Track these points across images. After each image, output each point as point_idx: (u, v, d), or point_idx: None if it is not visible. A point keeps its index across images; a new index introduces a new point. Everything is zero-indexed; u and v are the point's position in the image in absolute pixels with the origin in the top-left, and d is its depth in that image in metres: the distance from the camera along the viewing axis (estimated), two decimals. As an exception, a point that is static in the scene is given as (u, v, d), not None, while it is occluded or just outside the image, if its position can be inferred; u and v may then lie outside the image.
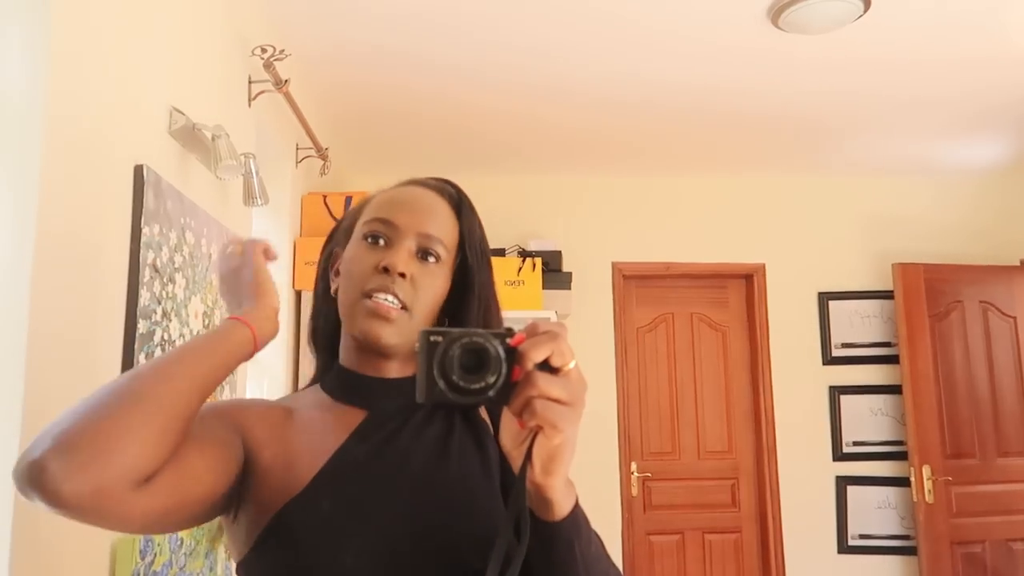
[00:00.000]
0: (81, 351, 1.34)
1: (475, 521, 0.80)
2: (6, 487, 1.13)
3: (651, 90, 3.07)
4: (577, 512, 0.72)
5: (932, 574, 3.56)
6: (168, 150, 1.73)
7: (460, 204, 0.94)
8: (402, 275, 0.85)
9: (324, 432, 0.85)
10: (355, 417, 0.86)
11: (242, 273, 0.92)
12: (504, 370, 0.65)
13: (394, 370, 0.89)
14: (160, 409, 0.72)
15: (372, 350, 0.87)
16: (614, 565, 0.79)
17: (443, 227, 0.90)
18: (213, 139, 1.82)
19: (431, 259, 0.88)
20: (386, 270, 0.85)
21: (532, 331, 0.66)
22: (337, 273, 0.93)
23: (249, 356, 0.84)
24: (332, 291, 0.93)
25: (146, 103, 1.64)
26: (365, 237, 0.88)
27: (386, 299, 0.84)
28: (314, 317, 0.98)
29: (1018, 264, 3.95)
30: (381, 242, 0.88)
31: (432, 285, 0.88)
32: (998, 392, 3.78)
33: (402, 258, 0.86)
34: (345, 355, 0.91)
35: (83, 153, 1.37)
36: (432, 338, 0.66)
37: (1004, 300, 3.86)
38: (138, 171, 1.53)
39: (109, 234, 1.46)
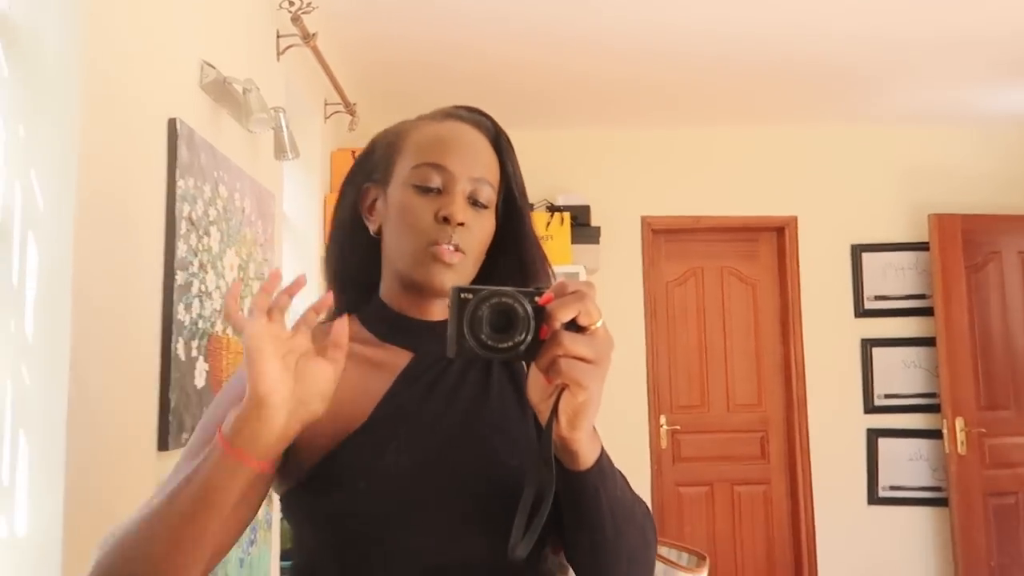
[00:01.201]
0: (122, 302, 1.38)
1: (513, 455, 0.82)
2: (58, 429, 1.18)
3: (680, 40, 3.01)
4: (603, 460, 0.74)
5: (964, 525, 3.56)
6: (200, 104, 1.74)
7: (498, 139, 0.93)
8: (461, 223, 0.85)
9: (371, 373, 0.86)
10: (400, 358, 0.88)
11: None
12: (532, 328, 0.67)
13: (437, 312, 0.90)
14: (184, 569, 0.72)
15: (429, 294, 0.88)
16: (640, 501, 0.82)
17: (489, 168, 0.90)
18: (244, 92, 1.83)
19: (481, 201, 0.88)
20: (446, 220, 0.85)
21: (560, 290, 0.68)
22: (372, 211, 0.93)
23: (253, 472, 0.71)
24: (373, 231, 0.92)
25: (178, 57, 1.65)
26: (416, 184, 0.87)
27: (448, 247, 0.85)
28: (340, 253, 0.95)
29: (1059, 213, 3.85)
30: (435, 189, 0.87)
31: (484, 228, 0.89)
32: (1035, 344, 3.73)
33: (460, 207, 0.86)
34: (389, 294, 0.91)
35: (119, 108, 1.39)
36: (463, 295, 0.68)
37: (1044, 250, 3.78)
38: (171, 124, 1.55)
39: (146, 187, 1.48)
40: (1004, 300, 3.73)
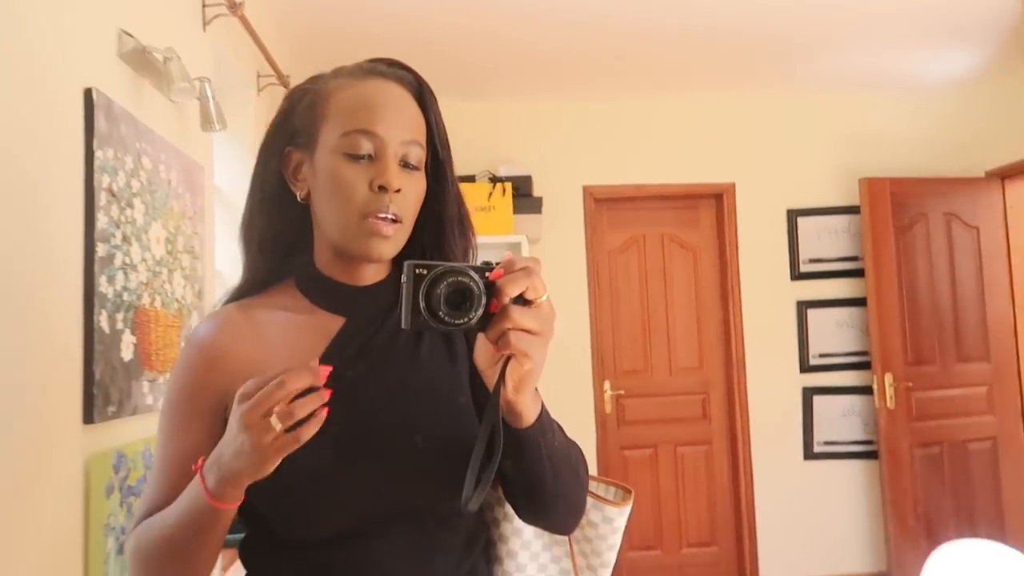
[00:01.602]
0: (40, 274, 1.36)
1: (439, 414, 0.87)
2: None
3: (619, 9, 3.03)
4: (543, 416, 0.80)
5: (892, 475, 3.73)
6: (119, 74, 1.71)
7: (422, 93, 0.92)
8: (397, 191, 0.85)
9: (305, 338, 0.88)
10: (334, 322, 0.90)
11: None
12: (483, 303, 0.72)
13: (370, 276, 0.92)
14: None
15: (364, 262, 0.90)
16: (574, 445, 0.89)
17: (417, 127, 0.89)
18: (165, 62, 1.80)
19: (412, 163, 0.88)
20: (382, 188, 0.85)
21: (509, 267, 0.73)
22: (297, 176, 0.91)
23: (225, 507, 0.77)
24: (301, 197, 0.90)
25: (94, 26, 1.61)
26: (347, 152, 0.86)
27: (385, 216, 0.85)
28: (265, 218, 0.93)
29: (983, 176, 4.01)
30: (366, 156, 0.86)
31: (417, 190, 0.89)
32: (959, 300, 3.89)
33: (394, 173, 0.85)
34: (322, 260, 0.92)
35: (30, 77, 1.36)
36: (418, 271, 0.73)
37: (968, 211, 3.93)
38: (87, 94, 1.52)
39: (62, 158, 1.46)
40: (930, 260, 3.89)
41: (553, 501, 0.86)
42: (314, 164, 0.88)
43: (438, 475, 0.84)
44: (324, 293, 0.91)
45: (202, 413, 0.87)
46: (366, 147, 0.85)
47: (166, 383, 1.76)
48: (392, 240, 0.86)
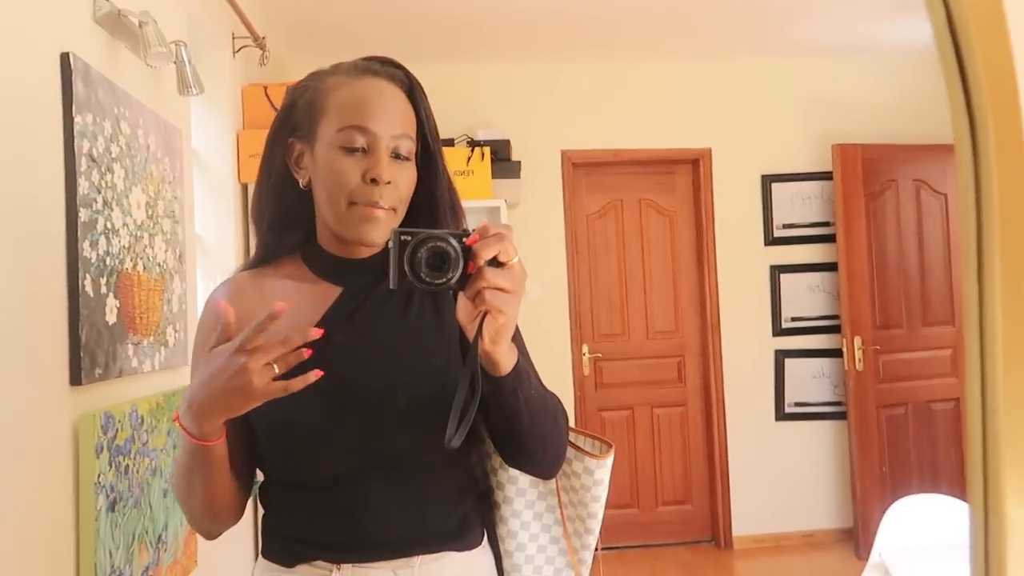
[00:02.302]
0: (23, 239, 1.37)
1: (428, 368, 0.97)
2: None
3: (593, -29, 3.02)
4: (519, 365, 0.91)
5: (860, 435, 3.85)
6: (95, 38, 1.70)
7: (412, 89, 1.01)
8: (388, 183, 0.95)
9: (309, 305, 0.99)
10: (333, 292, 1.00)
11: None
12: (461, 265, 0.82)
13: (365, 251, 1.01)
14: (204, 514, 0.98)
15: (360, 245, 0.99)
16: (552, 395, 1.00)
17: (407, 122, 0.98)
18: (141, 26, 1.79)
19: (403, 156, 0.97)
20: (374, 181, 0.94)
21: (484, 232, 0.83)
22: (299, 165, 1.00)
23: (207, 444, 0.88)
24: (303, 184, 1.00)
25: (67, -12, 1.60)
26: (342, 147, 0.95)
27: (377, 204, 0.95)
28: (273, 202, 1.03)
29: (951, 143, 4.07)
30: (360, 150, 0.95)
31: (408, 180, 0.98)
32: (927, 266, 3.99)
33: (385, 166, 0.94)
34: (323, 238, 1.03)
35: (5, 43, 1.36)
36: (403, 237, 0.82)
37: (936, 178, 4.01)
38: (64, 59, 1.52)
39: (41, 124, 1.46)
40: (899, 226, 3.97)
41: (532, 444, 0.96)
42: (314, 155, 0.98)
43: (418, 426, 0.94)
44: (324, 265, 1.02)
45: None
46: (360, 141, 0.95)
47: (151, 345, 1.79)
48: (384, 225, 0.95)
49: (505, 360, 0.88)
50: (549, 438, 0.98)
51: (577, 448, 1.09)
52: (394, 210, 0.97)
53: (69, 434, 1.46)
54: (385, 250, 0.98)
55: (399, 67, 1.02)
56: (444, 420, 0.85)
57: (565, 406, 1.06)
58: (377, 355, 0.97)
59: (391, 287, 0.83)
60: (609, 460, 1.10)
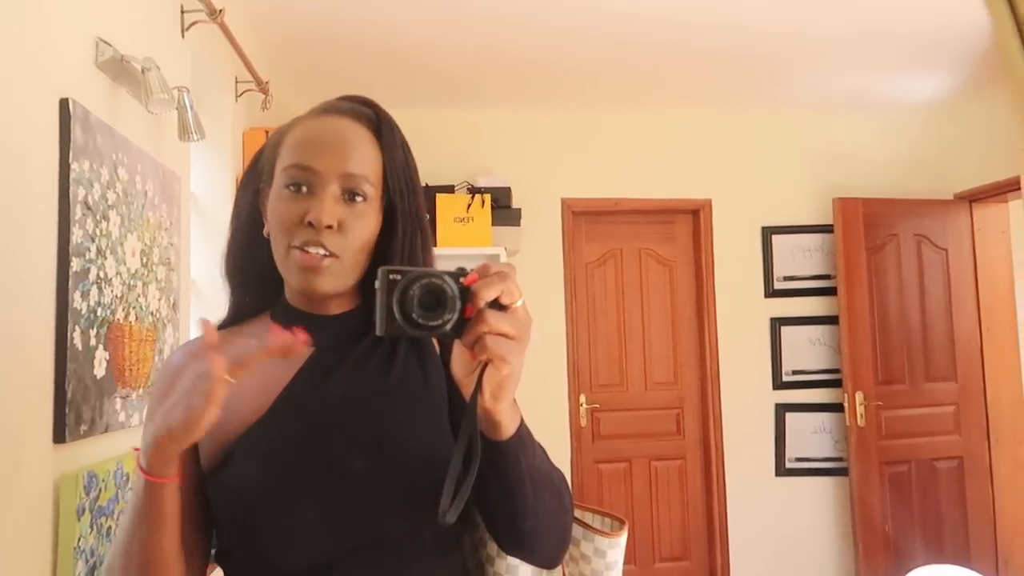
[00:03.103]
0: (11, 290, 1.32)
1: (413, 437, 0.86)
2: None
3: (600, 24, 3.04)
4: (522, 430, 0.79)
5: (862, 492, 3.77)
6: (96, 83, 1.67)
7: (380, 127, 0.91)
8: (329, 227, 0.84)
9: (273, 368, 0.87)
10: (303, 352, 0.89)
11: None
12: (458, 307, 0.72)
13: (335, 306, 0.92)
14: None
15: (310, 296, 0.90)
16: (556, 469, 0.87)
17: (366, 161, 0.88)
18: (143, 72, 1.76)
19: (358, 199, 0.87)
20: (310, 224, 0.84)
21: (484, 271, 0.72)
22: (266, 213, 0.92)
23: (174, 486, 0.78)
24: (265, 232, 0.91)
25: (70, 34, 1.57)
26: (286, 186, 0.87)
27: (316, 251, 0.84)
28: (240, 254, 0.95)
29: (951, 198, 4.08)
30: (303, 190, 0.86)
31: (362, 226, 0.87)
32: (928, 320, 3.96)
33: (327, 208, 0.84)
34: (289, 293, 0.93)
35: (3, 86, 1.32)
36: (391, 276, 0.72)
37: (937, 233, 4.00)
38: (64, 105, 1.48)
39: (36, 171, 1.42)
40: (901, 280, 3.94)
41: (535, 526, 0.83)
42: (268, 203, 0.91)
43: (404, 505, 0.83)
44: (291, 322, 0.88)
45: None
46: (302, 180, 0.86)
47: (140, 397, 1.72)
48: (328, 274, 0.85)
49: (507, 421, 0.76)
50: (554, 519, 0.86)
51: (585, 526, 1.01)
52: (338, 257, 0.85)
53: (49, 496, 1.39)
54: (360, 304, 0.92)
55: (370, 105, 0.93)
56: (434, 497, 0.73)
57: (561, 457, 0.95)
58: (355, 422, 0.86)
59: (378, 333, 0.72)
60: (623, 539, 1.02)
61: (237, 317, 0.96)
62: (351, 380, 0.88)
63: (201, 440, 0.82)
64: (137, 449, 0.77)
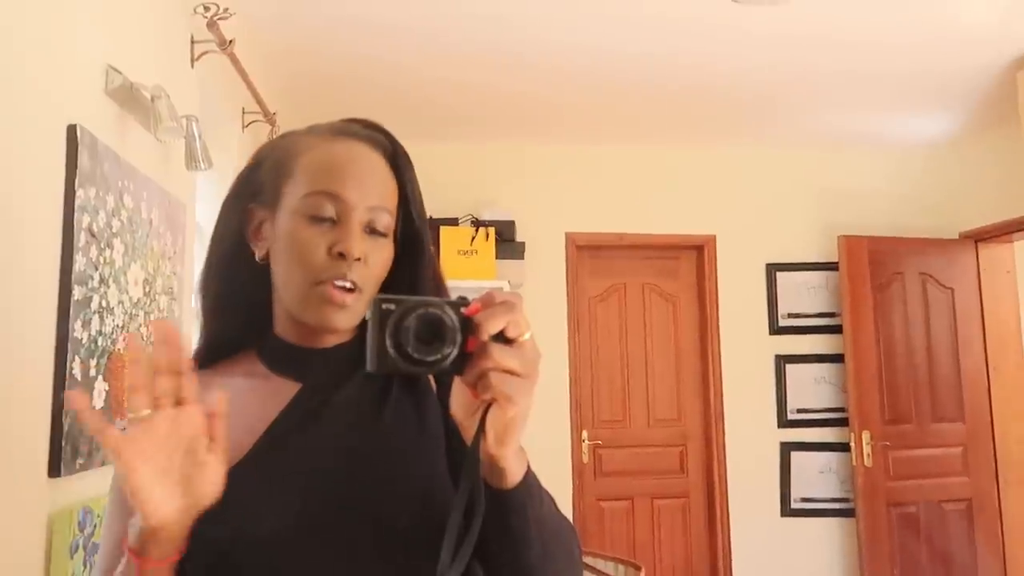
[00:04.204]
0: (10, 317, 1.29)
1: (408, 486, 0.79)
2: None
3: (606, 61, 3.06)
4: (529, 477, 0.72)
5: (869, 534, 3.70)
6: (105, 110, 1.66)
7: (396, 157, 0.87)
8: (357, 259, 0.80)
9: (257, 406, 0.82)
10: (290, 389, 0.83)
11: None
12: (459, 341, 0.64)
13: (330, 340, 0.85)
14: None
15: (321, 331, 0.84)
16: (566, 519, 0.80)
17: (387, 193, 0.84)
18: (153, 100, 1.75)
19: (379, 230, 0.83)
20: (341, 256, 0.79)
21: (488, 301, 0.65)
22: (258, 234, 0.86)
23: (173, 565, 0.70)
24: (260, 257, 0.85)
25: (80, 61, 1.57)
26: (309, 215, 0.81)
27: (343, 285, 0.79)
28: (222, 277, 0.88)
29: (957, 237, 4.07)
30: (329, 220, 0.81)
31: (383, 259, 0.84)
32: (934, 360, 3.92)
33: (356, 240, 0.80)
34: (279, 323, 0.86)
35: (11, 111, 1.31)
36: (384, 306, 0.64)
37: (943, 272, 3.98)
38: (71, 131, 1.47)
39: (41, 196, 1.40)
40: (907, 319, 3.92)
41: None
42: (275, 224, 0.83)
43: (398, 561, 0.75)
44: (279, 356, 0.85)
45: None
46: (329, 210, 0.80)
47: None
48: (350, 310, 0.81)
49: (513, 467, 0.69)
50: (564, 574, 0.77)
51: (601, 575, 0.96)
52: (362, 292, 0.80)
53: (43, 532, 1.34)
54: (355, 338, 0.85)
55: (383, 132, 0.88)
56: (432, 551, 0.66)
57: (562, 494, 0.86)
58: (344, 468, 0.78)
59: (369, 369, 0.65)
60: None
61: (208, 351, 0.88)
62: (338, 422, 0.81)
63: None
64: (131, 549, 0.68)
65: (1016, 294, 4.04)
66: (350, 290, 0.80)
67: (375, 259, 0.82)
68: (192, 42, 2.25)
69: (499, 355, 0.63)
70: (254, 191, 0.86)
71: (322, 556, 0.75)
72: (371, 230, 0.82)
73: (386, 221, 0.83)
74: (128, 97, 1.74)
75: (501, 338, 0.64)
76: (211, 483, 0.68)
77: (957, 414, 3.91)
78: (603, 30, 2.79)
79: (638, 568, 0.98)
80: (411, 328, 0.63)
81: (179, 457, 0.66)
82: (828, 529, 3.99)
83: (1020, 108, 3.08)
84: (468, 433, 0.67)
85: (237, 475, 0.76)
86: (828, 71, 3.17)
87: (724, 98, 3.46)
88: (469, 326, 0.64)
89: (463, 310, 0.65)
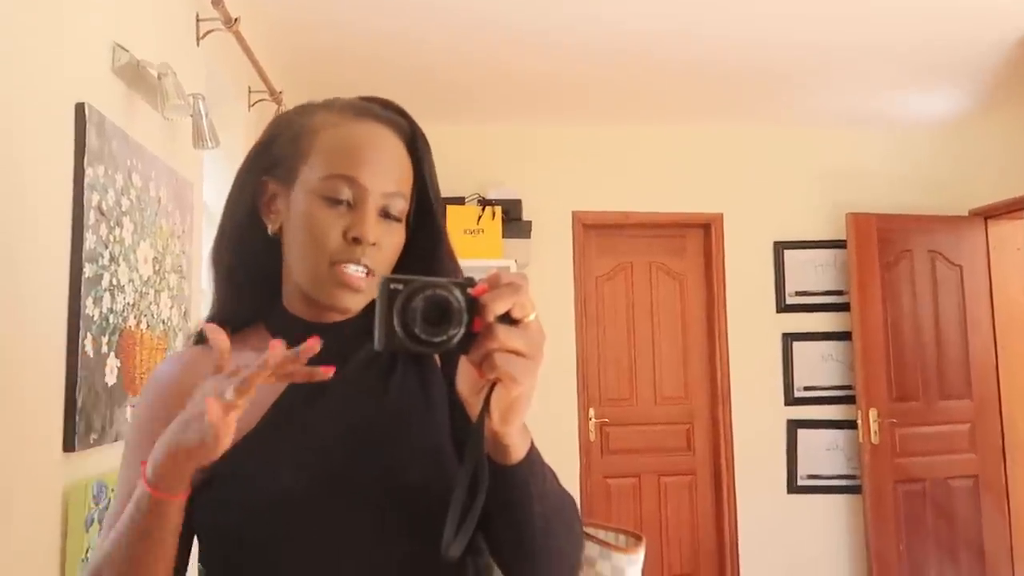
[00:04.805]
0: (24, 295, 1.30)
1: (415, 448, 0.80)
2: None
3: (613, 38, 3.03)
4: (532, 454, 0.73)
5: (876, 511, 3.72)
6: (112, 88, 1.66)
7: (414, 140, 0.87)
8: (373, 244, 0.81)
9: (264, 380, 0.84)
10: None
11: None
12: (465, 321, 0.65)
13: (338, 315, 0.86)
14: None
15: (332, 311, 0.85)
16: (568, 495, 0.81)
17: (404, 178, 0.85)
18: (160, 77, 1.75)
19: (393, 215, 0.84)
20: (356, 240, 0.80)
21: (494, 282, 0.66)
22: (271, 208, 0.87)
23: (181, 503, 0.73)
24: (272, 231, 0.86)
25: (87, 39, 1.57)
26: (324, 196, 0.81)
27: (357, 270, 0.81)
28: (235, 248, 0.88)
29: (966, 214, 4.05)
30: (345, 203, 0.81)
31: (395, 243, 0.85)
32: (942, 338, 3.91)
33: (371, 226, 0.81)
34: (289, 299, 0.87)
35: (21, 90, 1.31)
36: (392, 286, 0.65)
37: (951, 249, 3.96)
38: (79, 109, 1.47)
39: (51, 175, 1.40)
40: (915, 297, 3.90)
41: (544, 557, 0.77)
42: (290, 200, 0.84)
43: (402, 536, 0.77)
44: (287, 330, 0.83)
45: None
46: (346, 193, 0.81)
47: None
48: (363, 293, 0.82)
49: (517, 444, 0.71)
50: (565, 548, 0.79)
51: (602, 543, 0.97)
52: (374, 275, 0.81)
53: (59, 505, 1.37)
54: (364, 313, 0.85)
55: (403, 114, 0.88)
56: (436, 526, 0.67)
57: (569, 472, 0.88)
58: (350, 444, 0.80)
59: (376, 348, 0.66)
60: (640, 555, 0.99)
61: (225, 323, 0.87)
62: (345, 396, 0.82)
63: None
64: (144, 463, 0.71)
65: (1025, 271, 4.02)
66: (364, 274, 0.81)
67: (388, 243, 0.83)
68: (198, 20, 2.24)
69: (504, 336, 0.64)
70: (269, 164, 0.86)
71: (326, 529, 0.76)
72: (385, 214, 0.83)
73: (400, 206, 0.84)
74: (135, 75, 1.74)
75: (507, 319, 0.65)
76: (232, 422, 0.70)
77: (964, 391, 3.90)
78: (608, 5, 2.77)
79: (639, 538, 0.99)
80: (418, 309, 0.64)
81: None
82: (835, 506, 4.00)
83: (1031, 83, 3.05)
84: (473, 411, 0.68)
85: (244, 449, 0.77)
86: (836, 47, 3.13)
87: (732, 76, 3.43)
88: (475, 307, 0.65)
89: (469, 290, 0.66)
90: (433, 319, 0.65)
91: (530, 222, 3.80)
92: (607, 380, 4.11)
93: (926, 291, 3.91)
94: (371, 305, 0.83)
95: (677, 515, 4.08)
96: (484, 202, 3.74)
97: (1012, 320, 3.95)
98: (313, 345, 0.68)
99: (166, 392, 0.83)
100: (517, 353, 0.65)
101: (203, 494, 0.77)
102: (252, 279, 0.88)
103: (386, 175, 0.83)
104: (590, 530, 0.99)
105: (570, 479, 3.88)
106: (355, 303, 0.82)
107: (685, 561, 4.04)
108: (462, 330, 0.65)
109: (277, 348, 0.67)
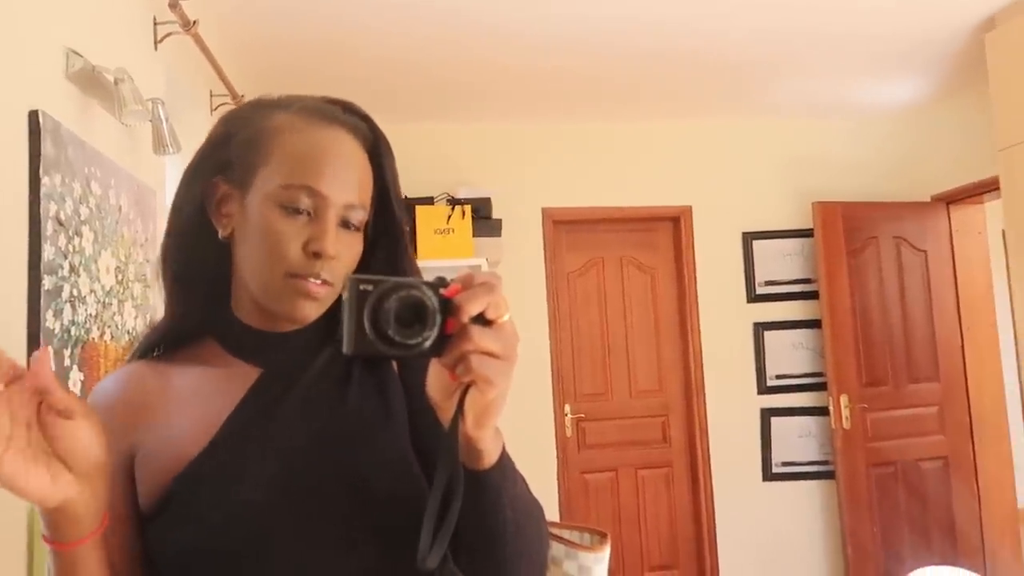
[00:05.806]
0: (-19, 309, 1.27)
1: (378, 457, 0.78)
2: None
3: (577, 32, 3.03)
4: (504, 458, 0.72)
5: (850, 495, 3.77)
6: (66, 95, 1.62)
7: (376, 146, 0.84)
8: (332, 258, 0.78)
9: (215, 393, 0.81)
10: (249, 374, 0.82)
11: None
12: (439, 323, 0.63)
13: (291, 325, 0.83)
14: None
15: (288, 321, 0.82)
16: (535, 499, 0.80)
17: (365, 188, 0.82)
18: (116, 83, 1.72)
19: (353, 226, 0.81)
20: (316, 255, 0.77)
21: (467, 282, 0.64)
22: (222, 210, 0.82)
23: (91, 545, 0.69)
24: (223, 235, 0.82)
25: (40, 44, 1.53)
26: (284, 205, 0.78)
27: (315, 281, 0.78)
28: (181, 251, 0.84)
29: (929, 200, 4.12)
30: (304, 213, 0.78)
31: (354, 253, 0.82)
32: (909, 322, 3.98)
33: (332, 239, 0.78)
34: (240, 307, 0.84)
35: (-31, 98, 1.27)
36: (362, 287, 0.63)
37: (916, 235, 4.03)
38: (33, 117, 1.44)
39: (5, 185, 1.37)
40: (881, 282, 3.96)
41: (514, 562, 0.76)
42: (244, 205, 0.80)
43: (368, 552, 0.75)
44: (240, 342, 0.83)
45: None
46: (306, 203, 0.78)
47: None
48: (321, 303, 0.79)
49: (490, 448, 0.69)
50: (535, 556, 0.78)
51: (568, 543, 0.96)
52: (332, 286, 0.79)
53: (23, 519, 1.33)
54: (316, 322, 0.83)
55: (365, 118, 0.85)
56: (405, 536, 0.65)
57: (547, 468, 0.87)
58: (312, 454, 0.77)
59: (345, 352, 0.63)
60: (606, 552, 0.99)
61: (175, 333, 0.85)
62: (305, 406, 0.80)
63: (139, 478, 0.78)
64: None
65: (987, 254, 4.10)
66: (323, 284, 0.79)
67: (347, 254, 0.80)
68: (155, 23, 2.20)
69: (479, 337, 0.63)
70: (221, 164, 0.82)
71: (299, 520, 0.74)
72: (345, 224, 0.80)
73: (360, 217, 0.81)
74: (90, 81, 1.70)
75: (480, 319, 0.63)
76: (85, 443, 0.65)
77: (932, 374, 3.97)
78: (571, 1, 2.76)
79: (604, 536, 0.99)
80: (391, 310, 0.62)
81: (30, 432, 0.63)
82: (809, 492, 4.05)
83: (988, 70, 3.10)
84: (445, 415, 0.67)
85: (197, 468, 0.76)
86: (797, 37, 3.16)
87: (694, 68, 3.45)
88: (449, 308, 0.63)
89: (442, 291, 0.64)
90: (407, 320, 0.62)
91: (500, 220, 3.80)
92: (582, 376, 4.12)
93: (892, 277, 3.97)
94: (323, 316, 0.81)
95: (655, 507, 4.10)
96: (453, 201, 3.72)
97: (976, 303, 4.03)
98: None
99: (104, 415, 0.77)
100: (492, 355, 0.63)
101: (157, 517, 0.75)
102: (201, 287, 0.85)
103: (347, 185, 0.80)
104: (555, 530, 0.98)
105: (548, 476, 3.89)
106: (313, 312, 0.79)
107: (664, 552, 4.07)
108: (436, 332, 0.63)
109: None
